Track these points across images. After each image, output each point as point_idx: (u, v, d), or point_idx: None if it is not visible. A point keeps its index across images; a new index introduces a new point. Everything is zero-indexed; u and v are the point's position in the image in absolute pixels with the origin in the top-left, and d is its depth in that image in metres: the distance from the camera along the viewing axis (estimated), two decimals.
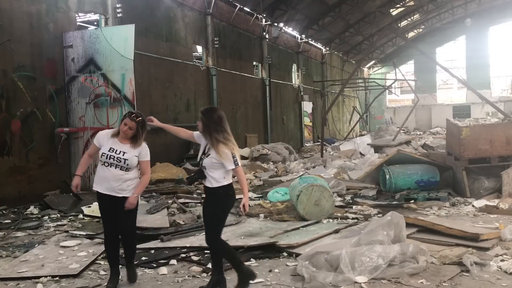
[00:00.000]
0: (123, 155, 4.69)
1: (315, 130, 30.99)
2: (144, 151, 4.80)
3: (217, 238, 4.63)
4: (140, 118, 4.71)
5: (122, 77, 10.85)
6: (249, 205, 9.11)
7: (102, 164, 4.72)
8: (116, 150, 4.70)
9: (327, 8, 28.26)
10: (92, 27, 13.38)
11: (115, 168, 4.68)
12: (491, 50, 44.28)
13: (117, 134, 4.77)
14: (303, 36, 29.13)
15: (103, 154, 4.69)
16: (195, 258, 5.76)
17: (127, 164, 4.70)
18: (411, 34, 42.20)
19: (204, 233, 4.99)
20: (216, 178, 4.54)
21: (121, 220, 4.74)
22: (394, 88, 37.65)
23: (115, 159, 4.67)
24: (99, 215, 5.14)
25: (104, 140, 4.76)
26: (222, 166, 4.53)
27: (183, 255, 5.90)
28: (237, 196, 4.86)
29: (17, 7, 10.22)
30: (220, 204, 4.61)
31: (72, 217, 8.83)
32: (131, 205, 4.75)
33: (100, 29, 11.64)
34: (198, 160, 4.73)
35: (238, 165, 4.57)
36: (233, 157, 4.53)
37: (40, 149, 10.61)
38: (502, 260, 5.29)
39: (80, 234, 7.19)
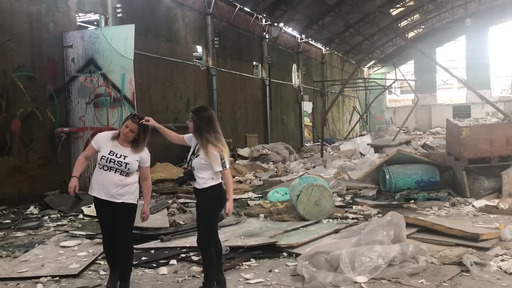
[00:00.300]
0: (124, 159, 4.51)
1: (315, 130, 30.99)
2: (145, 156, 4.63)
3: (208, 238, 4.56)
4: (143, 120, 4.55)
5: (122, 77, 10.86)
6: (249, 205, 9.25)
7: (101, 168, 4.54)
8: (117, 154, 4.51)
9: (327, 8, 28.24)
10: (92, 27, 13.37)
11: (115, 172, 4.51)
12: (491, 50, 44.22)
13: (117, 136, 4.59)
14: (303, 36, 29.11)
15: (103, 158, 4.51)
16: (195, 258, 5.75)
17: (128, 169, 4.53)
18: (411, 34, 42.18)
19: None
20: (204, 179, 4.50)
21: (118, 226, 4.58)
22: (394, 88, 37.64)
23: (116, 163, 4.49)
24: None
25: (103, 143, 4.58)
26: (210, 167, 4.48)
27: (183, 255, 5.90)
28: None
29: (17, 7, 10.22)
30: (209, 204, 4.54)
31: (72, 217, 8.84)
32: (147, 216, 4.75)
33: (100, 29, 11.65)
34: (187, 160, 4.67)
35: (225, 167, 4.50)
36: (221, 159, 4.47)
37: (40, 149, 10.62)
38: (502, 260, 5.29)
39: (80, 234, 7.19)
